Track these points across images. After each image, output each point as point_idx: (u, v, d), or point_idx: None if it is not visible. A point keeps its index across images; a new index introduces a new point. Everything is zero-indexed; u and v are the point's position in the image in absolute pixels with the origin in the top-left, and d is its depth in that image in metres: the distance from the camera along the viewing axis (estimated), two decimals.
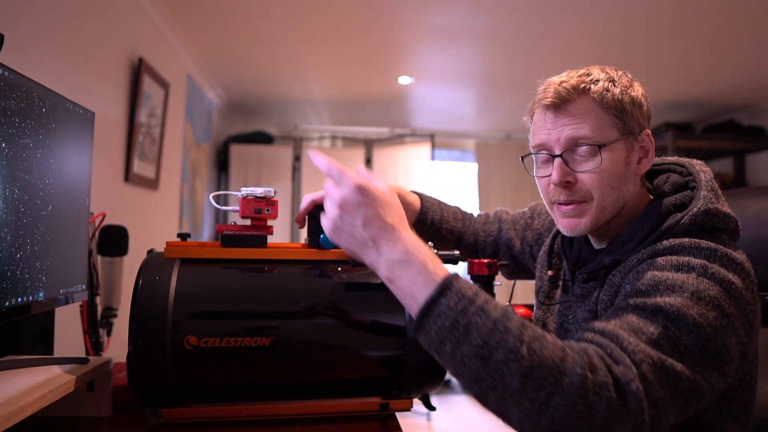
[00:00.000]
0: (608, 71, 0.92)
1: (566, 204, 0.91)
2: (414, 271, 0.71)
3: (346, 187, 0.75)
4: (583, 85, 0.89)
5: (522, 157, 0.98)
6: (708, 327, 0.73)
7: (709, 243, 0.82)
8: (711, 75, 3.44)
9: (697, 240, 0.82)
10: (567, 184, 0.90)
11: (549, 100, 0.89)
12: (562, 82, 0.90)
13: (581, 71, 0.91)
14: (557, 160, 0.89)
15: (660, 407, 0.67)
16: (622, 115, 0.89)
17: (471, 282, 0.74)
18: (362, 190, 0.74)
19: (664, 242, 0.84)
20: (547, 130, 0.91)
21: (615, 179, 0.89)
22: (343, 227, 0.75)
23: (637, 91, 0.91)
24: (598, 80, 0.89)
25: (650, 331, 0.71)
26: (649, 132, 0.92)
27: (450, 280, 0.70)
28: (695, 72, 3.38)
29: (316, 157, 0.79)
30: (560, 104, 0.89)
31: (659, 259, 0.81)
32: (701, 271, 0.77)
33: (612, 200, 0.89)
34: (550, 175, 0.91)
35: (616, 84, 0.89)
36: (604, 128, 0.88)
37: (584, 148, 0.88)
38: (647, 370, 0.67)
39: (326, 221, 0.77)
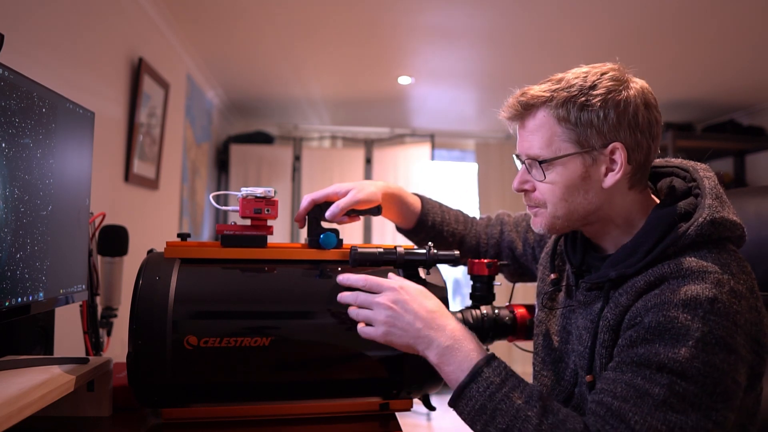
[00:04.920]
0: (589, 77, 0.86)
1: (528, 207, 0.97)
2: (460, 356, 0.83)
3: (391, 291, 0.88)
4: (539, 99, 0.87)
5: (515, 155, 0.99)
6: (715, 372, 0.74)
7: (716, 265, 0.80)
8: (711, 75, 3.44)
9: (704, 262, 0.80)
10: (525, 191, 0.94)
11: (503, 114, 0.93)
12: (522, 93, 0.90)
13: (558, 76, 0.89)
14: (522, 167, 0.94)
15: None
16: (578, 128, 0.85)
17: (504, 366, 0.82)
18: (405, 289, 0.88)
19: (672, 262, 0.82)
20: (517, 139, 0.95)
21: (567, 193, 0.88)
22: (396, 325, 0.86)
23: (622, 95, 0.84)
24: (563, 89, 0.86)
25: (656, 392, 0.73)
26: (621, 145, 0.85)
27: (481, 367, 0.80)
28: (695, 72, 3.38)
29: (349, 278, 0.91)
30: (515, 118, 0.92)
31: (668, 291, 0.79)
32: (708, 307, 0.76)
33: (565, 212, 0.89)
34: None
35: (585, 93, 0.85)
36: (555, 143, 0.87)
37: (535, 162, 0.89)
38: None
39: (376, 330, 0.87)
